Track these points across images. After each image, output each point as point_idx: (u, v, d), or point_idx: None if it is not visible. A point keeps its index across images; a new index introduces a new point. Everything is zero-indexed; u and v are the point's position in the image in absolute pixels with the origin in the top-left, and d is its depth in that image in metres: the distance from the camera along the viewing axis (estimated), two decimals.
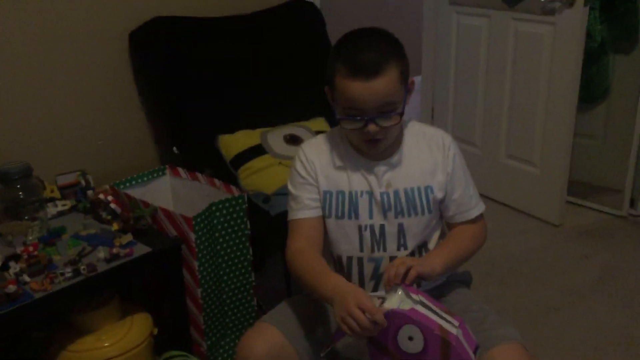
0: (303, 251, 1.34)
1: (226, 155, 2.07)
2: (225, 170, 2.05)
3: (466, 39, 3.02)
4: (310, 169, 1.37)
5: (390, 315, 1.13)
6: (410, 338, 1.12)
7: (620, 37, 2.83)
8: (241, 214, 1.82)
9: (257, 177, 2.00)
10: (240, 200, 1.81)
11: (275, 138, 2.12)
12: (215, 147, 2.10)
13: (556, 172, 2.77)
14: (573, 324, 2.12)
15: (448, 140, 1.39)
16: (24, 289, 1.41)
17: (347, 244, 1.37)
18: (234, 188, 1.87)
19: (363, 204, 1.35)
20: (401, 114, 1.27)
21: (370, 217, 1.35)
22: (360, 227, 1.36)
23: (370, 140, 1.28)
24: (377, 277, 1.37)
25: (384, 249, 1.36)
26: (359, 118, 1.25)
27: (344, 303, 1.12)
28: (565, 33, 2.56)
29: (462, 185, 1.38)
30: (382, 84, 1.21)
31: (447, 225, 1.45)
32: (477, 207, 1.41)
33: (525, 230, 2.79)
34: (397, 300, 1.15)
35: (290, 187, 1.40)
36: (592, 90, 2.91)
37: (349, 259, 1.38)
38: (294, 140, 2.13)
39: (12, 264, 1.46)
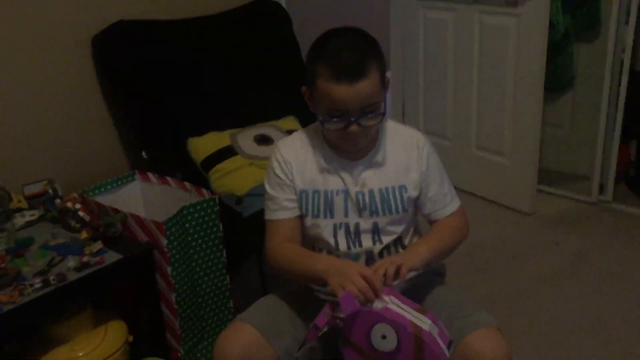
0: (284, 244, 1.36)
1: (196, 158, 2.06)
2: (196, 174, 2.04)
3: (433, 33, 3.05)
4: (287, 169, 1.38)
5: (362, 314, 1.13)
6: (384, 336, 1.13)
7: (584, 26, 2.88)
8: (213, 216, 1.81)
9: (229, 178, 2.00)
10: (212, 203, 1.81)
11: (245, 139, 2.12)
12: (185, 150, 2.09)
13: (526, 161, 2.81)
14: (545, 309, 2.15)
15: (422, 139, 1.40)
16: None
17: (323, 242, 1.39)
18: (205, 191, 1.86)
19: (338, 202, 1.36)
20: (383, 114, 1.28)
21: (346, 215, 1.36)
22: (335, 226, 1.37)
23: (350, 138, 1.29)
24: None
25: (360, 245, 1.37)
26: (341, 120, 1.25)
27: (344, 271, 1.19)
28: (530, 24, 2.59)
29: (437, 183, 1.40)
30: (366, 86, 1.22)
31: (428, 222, 1.46)
32: (453, 204, 1.43)
33: (497, 220, 2.82)
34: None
35: (267, 187, 1.41)
36: (558, 80, 2.96)
37: (329, 253, 1.40)
38: (264, 140, 2.13)
39: None
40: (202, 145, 2.07)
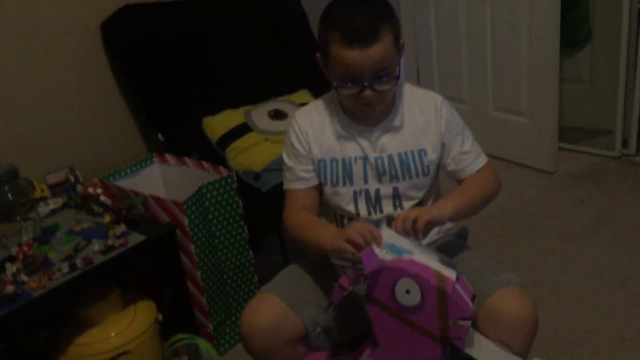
0: (299, 214, 1.37)
1: (212, 137, 2.07)
2: (213, 153, 2.05)
3: None
4: (304, 139, 1.38)
5: (385, 270, 1.13)
6: (408, 291, 1.13)
7: None
8: (232, 193, 1.83)
9: (245, 155, 2.00)
10: (229, 180, 1.82)
11: (259, 115, 2.12)
12: (200, 130, 2.09)
13: (546, 119, 2.76)
14: (571, 268, 2.14)
15: (439, 100, 1.39)
16: (22, 288, 1.43)
17: (343, 210, 1.39)
18: (222, 169, 1.87)
19: (357, 169, 1.36)
20: (397, 77, 1.27)
21: (366, 181, 1.36)
22: (355, 193, 1.37)
23: (365, 104, 1.28)
24: None
25: (381, 211, 1.37)
26: (355, 84, 1.25)
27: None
28: None
29: (458, 142, 1.38)
30: (379, 50, 1.21)
31: (456, 182, 1.43)
32: (477, 161, 1.40)
33: (520, 181, 2.79)
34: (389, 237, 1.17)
35: (285, 158, 1.41)
36: (574, 34, 2.90)
37: (350, 219, 1.40)
38: (278, 115, 2.12)
39: (8, 265, 1.47)
40: (217, 124, 2.08)
